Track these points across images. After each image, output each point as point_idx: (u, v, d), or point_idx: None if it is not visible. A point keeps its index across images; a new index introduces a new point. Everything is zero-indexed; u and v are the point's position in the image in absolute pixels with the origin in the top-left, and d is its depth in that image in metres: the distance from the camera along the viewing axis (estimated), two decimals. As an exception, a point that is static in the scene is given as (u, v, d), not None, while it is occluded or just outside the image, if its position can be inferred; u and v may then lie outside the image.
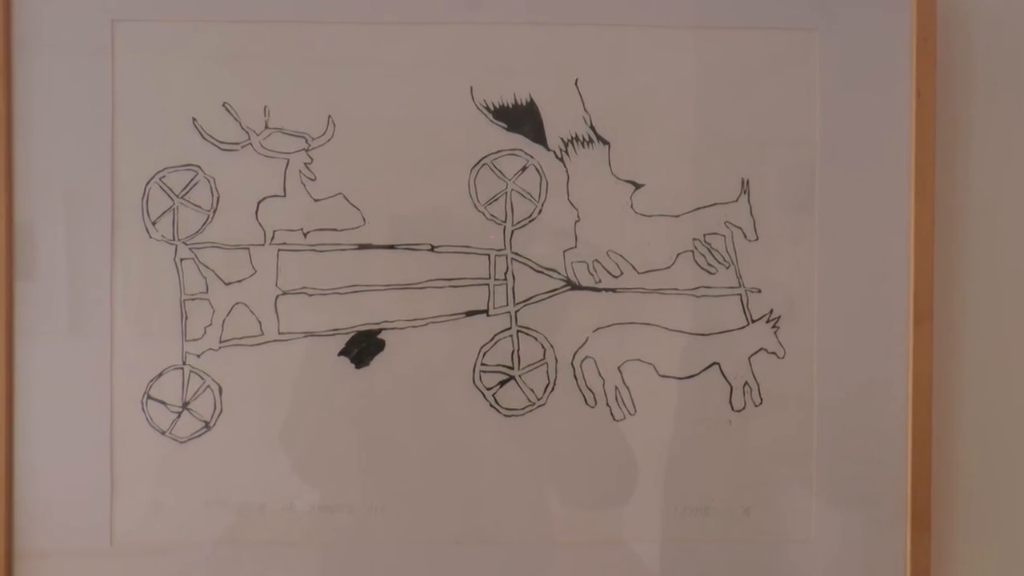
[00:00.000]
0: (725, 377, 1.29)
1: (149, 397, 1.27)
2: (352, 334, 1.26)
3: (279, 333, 1.26)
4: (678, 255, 1.29)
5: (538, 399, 1.28)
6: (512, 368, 1.28)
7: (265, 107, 1.27)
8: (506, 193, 1.27)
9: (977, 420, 1.35)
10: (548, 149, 1.28)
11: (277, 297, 1.27)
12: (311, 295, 1.27)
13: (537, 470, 1.29)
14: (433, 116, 1.27)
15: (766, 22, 1.28)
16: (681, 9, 1.28)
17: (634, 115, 1.28)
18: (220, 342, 1.26)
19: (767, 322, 1.29)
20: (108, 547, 1.26)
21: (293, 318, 1.27)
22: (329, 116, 1.27)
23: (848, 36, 1.30)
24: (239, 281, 1.27)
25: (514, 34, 1.27)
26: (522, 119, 1.27)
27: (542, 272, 1.28)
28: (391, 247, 1.27)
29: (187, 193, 1.26)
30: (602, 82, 1.28)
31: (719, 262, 1.29)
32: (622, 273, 1.28)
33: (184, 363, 1.26)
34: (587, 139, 1.27)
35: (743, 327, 1.29)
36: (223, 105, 1.27)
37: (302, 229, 1.26)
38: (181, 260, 1.26)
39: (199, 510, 1.27)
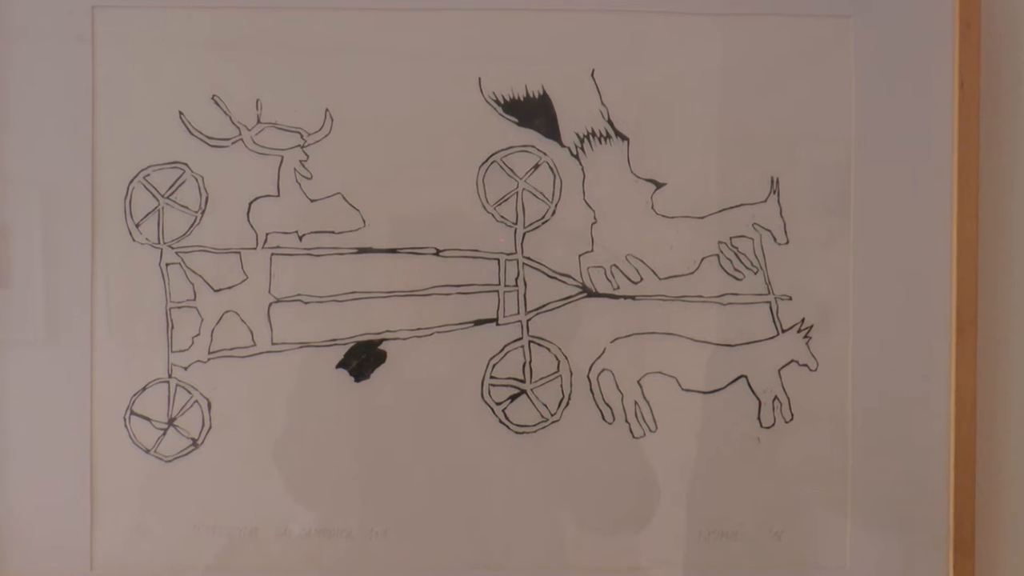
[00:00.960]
0: (753, 391, 1.27)
1: (132, 413, 1.24)
2: (351, 345, 1.24)
3: (272, 344, 1.24)
4: (702, 260, 1.26)
5: (552, 415, 1.26)
6: (523, 381, 1.25)
7: (257, 100, 1.24)
8: (517, 193, 1.25)
9: (1025, 437, 1.31)
10: (562, 145, 1.25)
11: (270, 305, 1.24)
12: (307, 303, 1.24)
13: (550, 491, 1.26)
14: (438, 110, 1.24)
15: (797, 8, 1.26)
16: (706, -6, 1.25)
17: (655, 109, 1.26)
18: (209, 353, 1.24)
19: (798, 332, 1.26)
20: (88, 573, 1.24)
21: (287, 328, 1.24)
22: (326, 110, 1.24)
23: (885, 23, 1.26)
24: (229, 288, 1.24)
25: (526, 21, 1.25)
26: (534, 113, 1.25)
27: (556, 278, 1.26)
28: (393, 251, 1.24)
29: (173, 193, 1.24)
30: (621, 73, 1.25)
31: (747, 267, 1.26)
32: (642, 279, 1.26)
33: (170, 376, 1.24)
34: (604, 134, 1.25)
35: (772, 337, 1.26)
36: (212, 98, 1.24)
37: (297, 232, 1.24)
38: (167, 265, 1.24)
39: (186, 534, 1.25)
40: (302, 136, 1.24)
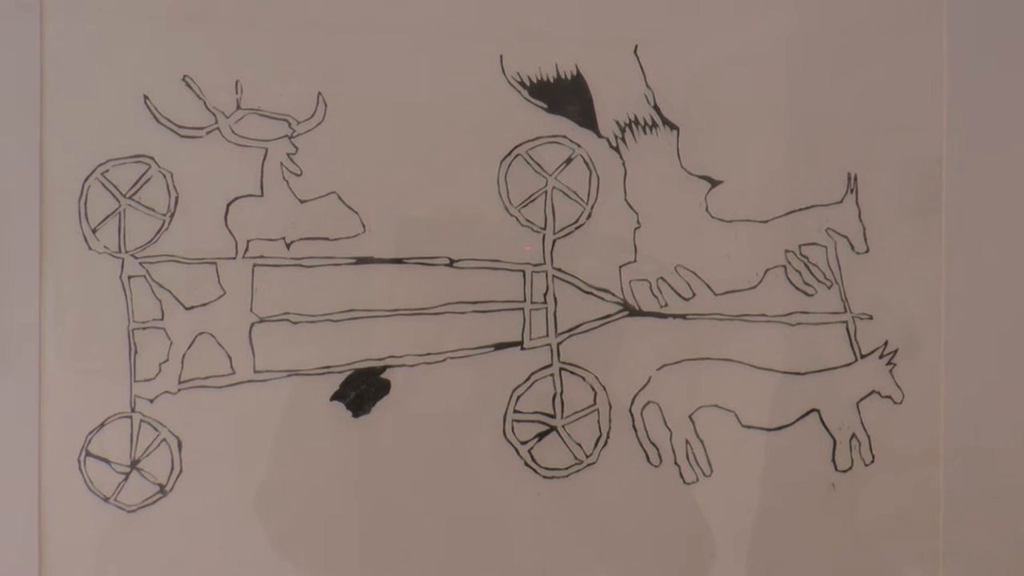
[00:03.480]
0: (827, 428, 1.23)
1: (88, 454, 1.19)
2: (348, 373, 1.20)
3: (255, 372, 1.20)
4: (766, 271, 1.23)
5: (587, 456, 1.22)
6: (553, 417, 1.22)
7: (237, 82, 1.20)
8: (546, 192, 1.22)
9: None
10: (600, 136, 1.22)
11: (252, 325, 1.20)
12: (296, 323, 1.20)
13: (585, 547, 1.23)
14: (452, 94, 1.21)
15: (880, -27, 1.25)
16: (771, -44, 1.27)
17: (710, 92, 1.23)
18: (179, 383, 1.19)
19: (880, 357, 1.23)
20: (36, 643, 1.22)
21: (273, 353, 1.20)
22: (319, 94, 1.20)
23: (984, -9, 1.26)
24: (203, 305, 1.20)
25: (556, -12, 1.24)
26: (566, 97, 1.21)
27: (592, 293, 1.22)
28: (398, 261, 1.21)
29: (137, 192, 1.20)
30: (669, 50, 1.23)
31: (819, 280, 1.23)
32: (694, 295, 1.22)
33: (133, 410, 1.19)
34: (649, 123, 1.22)
35: (850, 364, 1.23)
36: (183, 79, 1.20)
37: (284, 238, 1.20)
38: (129, 278, 1.19)
39: (152, 597, 1.23)
40: (290, 125, 1.20)
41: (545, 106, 1.21)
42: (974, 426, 1.24)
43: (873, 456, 1.23)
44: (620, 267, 1.22)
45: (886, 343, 1.23)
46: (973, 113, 1.24)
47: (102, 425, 1.19)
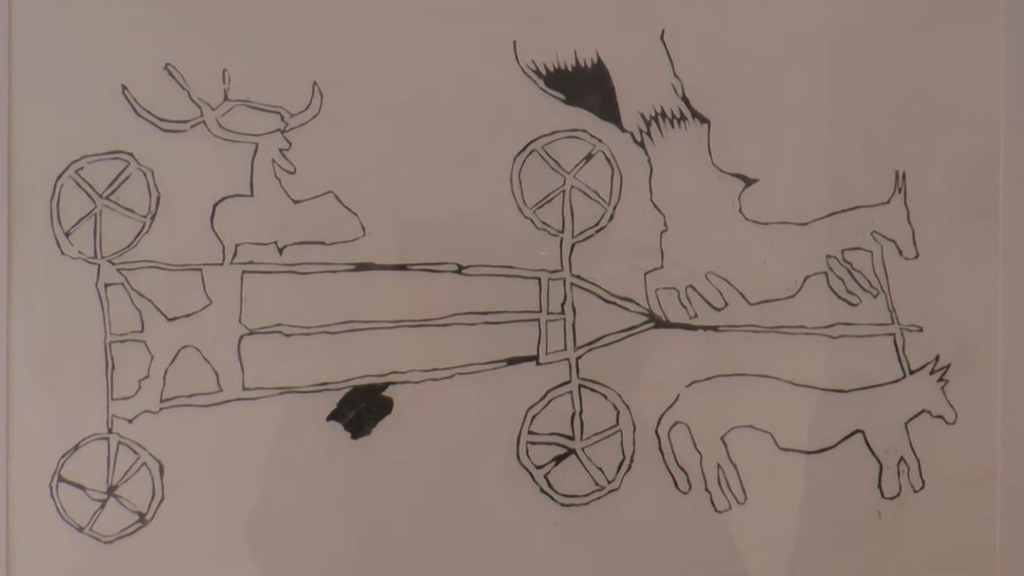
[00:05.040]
0: (872, 451, 1.21)
1: (61, 479, 1.17)
2: (347, 391, 1.19)
3: (244, 389, 1.18)
4: (806, 279, 1.21)
5: (608, 482, 1.20)
6: (572, 439, 1.20)
7: (224, 71, 1.18)
8: (564, 192, 1.20)
9: None
10: (623, 130, 1.20)
11: (241, 338, 1.18)
12: (289, 335, 1.18)
13: None
14: (461, 83, 1.19)
15: (932, -45, 1.24)
16: (812, -65, 1.26)
17: (744, 82, 1.21)
18: (161, 402, 1.17)
19: (931, 373, 1.21)
20: None
21: (264, 368, 1.19)
22: (314, 83, 1.18)
23: (1045, -25, 1.24)
24: (187, 316, 1.18)
25: (575, -33, 1.21)
26: (586, 87, 1.20)
27: (614, 303, 1.20)
28: (401, 268, 1.19)
29: (114, 192, 1.18)
30: (699, 36, 1.21)
31: (864, 289, 1.21)
32: (727, 304, 1.20)
33: (110, 431, 1.17)
34: (678, 116, 1.20)
35: (898, 380, 1.21)
36: (165, 68, 1.17)
37: (276, 242, 1.19)
38: (106, 286, 1.18)
39: (132, 636, 1.19)
40: (283, 117, 1.19)
41: (563, 97, 1.19)
42: (1033, 448, 1.17)
43: (923, 481, 1.21)
44: (645, 274, 1.20)
45: (937, 357, 1.21)
46: (1033, 107, 1.18)
47: (76, 447, 1.16)
